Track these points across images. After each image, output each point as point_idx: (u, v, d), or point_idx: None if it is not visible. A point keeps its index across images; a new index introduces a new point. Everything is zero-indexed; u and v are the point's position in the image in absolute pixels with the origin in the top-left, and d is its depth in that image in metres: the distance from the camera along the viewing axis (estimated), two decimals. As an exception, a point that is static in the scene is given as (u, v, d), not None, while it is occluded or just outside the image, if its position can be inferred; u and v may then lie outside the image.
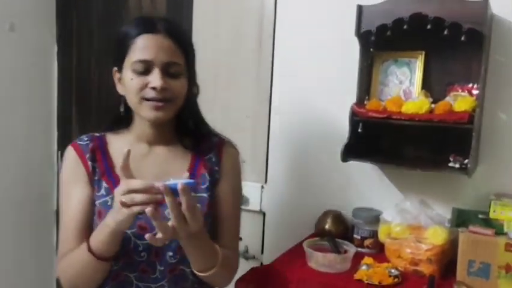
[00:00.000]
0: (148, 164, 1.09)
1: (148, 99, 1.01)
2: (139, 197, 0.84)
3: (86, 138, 1.11)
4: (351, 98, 1.46)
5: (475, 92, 1.37)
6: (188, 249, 0.98)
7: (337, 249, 1.39)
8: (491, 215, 1.30)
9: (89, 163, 1.07)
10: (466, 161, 1.30)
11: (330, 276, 1.28)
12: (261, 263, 1.73)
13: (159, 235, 0.87)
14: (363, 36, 1.40)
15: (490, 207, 1.30)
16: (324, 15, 1.64)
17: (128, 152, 0.89)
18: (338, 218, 1.57)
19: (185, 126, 1.14)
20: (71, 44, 2.30)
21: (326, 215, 1.58)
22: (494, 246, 1.20)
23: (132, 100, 1.03)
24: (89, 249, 0.95)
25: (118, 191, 0.87)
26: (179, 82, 1.04)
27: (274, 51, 1.75)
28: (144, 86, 1.00)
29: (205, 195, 1.10)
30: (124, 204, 0.85)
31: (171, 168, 1.09)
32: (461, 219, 1.34)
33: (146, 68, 1.00)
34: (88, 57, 2.27)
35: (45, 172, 2.36)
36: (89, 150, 1.08)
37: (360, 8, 1.38)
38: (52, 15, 2.29)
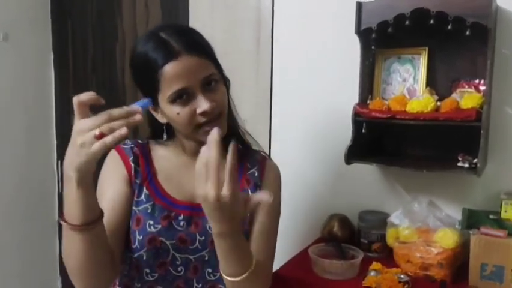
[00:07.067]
0: (190, 176, 1.03)
1: (201, 125, 0.97)
2: (118, 123, 0.73)
3: (130, 143, 1.07)
4: (354, 98, 1.42)
5: (481, 87, 1.33)
6: (220, 248, 0.86)
7: (343, 255, 1.36)
8: (503, 215, 1.26)
9: (132, 165, 1.03)
10: (475, 160, 1.26)
11: (337, 284, 1.25)
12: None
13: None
14: (363, 33, 1.36)
15: (501, 207, 1.27)
16: (322, 13, 1.60)
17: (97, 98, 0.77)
18: (343, 221, 1.53)
19: (228, 132, 1.08)
20: (67, 52, 2.29)
21: (332, 219, 1.54)
22: (507, 248, 1.17)
23: (185, 131, 0.99)
24: (65, 221, 0.83)
25: (84, 127, 0.73)
26: (220, 91, 0.99)
27: (273, 53, 1.72)
28: (193, 114, 0.95)
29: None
30: (101, 136, 0.72)
31: None
32: (471, 220, 1.30)
33: (185, 95, 0.95)
34: (84, 65, 2.25)
35: (46, 181, 2.35)
36: (133, 153, 1.04)
37: (359, 5, 1.35)
38: (47, 23, 2.28)
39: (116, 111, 0.74)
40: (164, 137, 1.05)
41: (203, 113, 0.95)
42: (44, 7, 2.26)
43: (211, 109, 0.94)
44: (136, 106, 0.77)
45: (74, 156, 0.75)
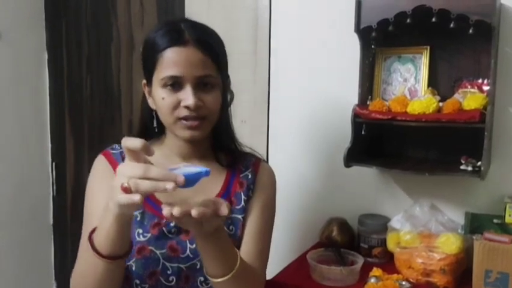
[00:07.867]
0: None
1: (182, 119, 0.95)
2: (145, 185, 0.71)
3: (118, 147, 1.04)
4: (353, 98, 1.39)
5: (485, 88, 1.29)
6: (203, 247, 0.87)
7: (343, 261, 1.32)
8: (507, 220, 1.24)
9: None
10: (479, 163, 1.23)
11: (337, 291, 1.21)
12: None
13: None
14: (363, 32, 1.33)
15: (505, 210, 1.24)
16: (321, 12, 1.57)
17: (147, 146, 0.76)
18: (343, 226, 1.49)
19: (220, 142, 1.07)
20: (61, 51, 2.25)
21: (331, 223, 1.51)
22: (512, 254, 1.12)
23: (166, 120, 0.97)
24: (93, 247, 0.83)
25: (124, 172, 0.74)
26: (213, 96, 0.97)
27: (271, 53, 1.68)
28: (177, 105, 0.94)
29: (239, 216, 1.02)
30: (126, 190, 0.72)
31: (205, 185, 1.02)
32: (475, 224, 1.27)
33: (177, 84, 0.94)
34: (79, 65, 2.22)
35: (41, 184, 2.31)
36: (122, 158, 1.01)
37: (359, 3, 1.31)
38: (41, 23, 2.25)
39: (154, 172, 0.71)
40: (154, 124, 1.03)
41: (186, 107, 0.93)
42: (38, 5, 2.22)
43: (195, 106, 0.93)
44: (182, 172, 0.73)
45: (115, 195, 0.75)
